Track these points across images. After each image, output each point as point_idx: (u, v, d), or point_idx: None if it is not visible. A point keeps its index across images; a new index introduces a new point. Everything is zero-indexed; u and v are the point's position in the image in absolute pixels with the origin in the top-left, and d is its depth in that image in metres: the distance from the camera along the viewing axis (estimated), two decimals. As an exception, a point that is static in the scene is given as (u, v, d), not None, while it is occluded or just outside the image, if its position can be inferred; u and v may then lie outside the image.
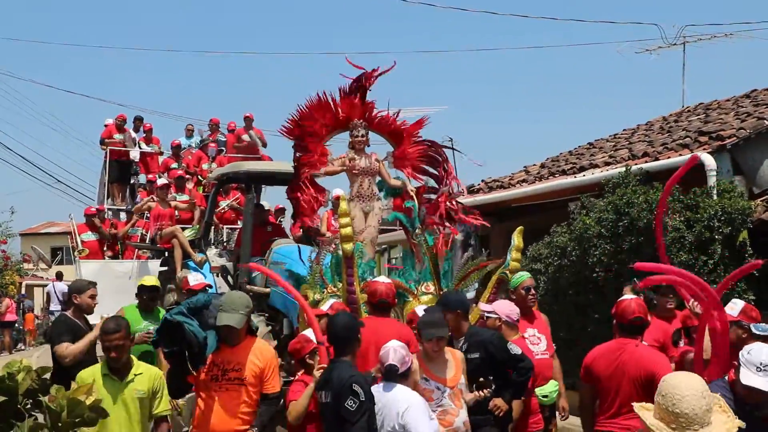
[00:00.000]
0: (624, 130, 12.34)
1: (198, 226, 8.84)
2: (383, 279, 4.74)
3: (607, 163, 9.51)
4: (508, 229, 11.71)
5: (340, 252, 5.17)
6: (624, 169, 8.15)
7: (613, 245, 7.64)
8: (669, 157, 8.24)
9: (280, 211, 9.23)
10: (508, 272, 5.26)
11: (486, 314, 4.55)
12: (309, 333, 4.07)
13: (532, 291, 5.11)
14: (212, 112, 32.37)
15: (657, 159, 8.46)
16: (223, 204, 9.83)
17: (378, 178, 5.97)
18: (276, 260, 6.65)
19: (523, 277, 5.17)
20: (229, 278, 7.37)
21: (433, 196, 6.04)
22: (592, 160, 10.13)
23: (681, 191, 7.29)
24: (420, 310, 4.49)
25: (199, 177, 11.22)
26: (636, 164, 8.45)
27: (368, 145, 5.97)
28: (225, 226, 9.70)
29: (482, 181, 12.37)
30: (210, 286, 5.30)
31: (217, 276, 7.61)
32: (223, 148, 11.83)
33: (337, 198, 8.33)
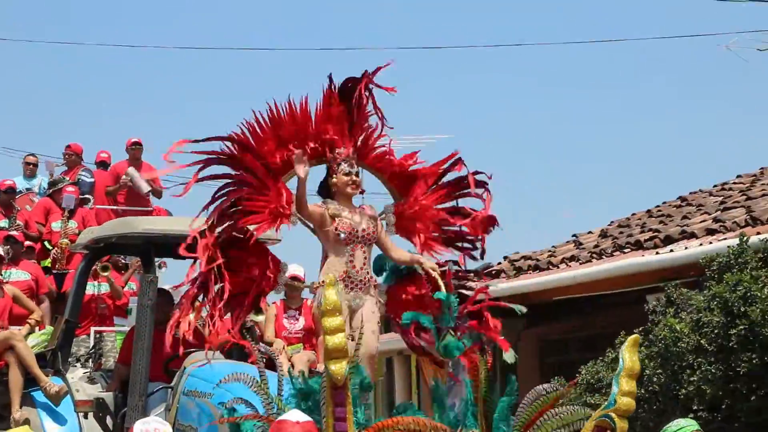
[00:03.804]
0: (739, 176, 12.58)
1: (51, 328, 8.50)
2: (298, 416, 4.54)
3: (710, 231, 9.60)
4: (543, 338, 11.83)
5: (313, 377, 5.15)
6: (738, 240, 8.23)
7: (722, 367, 7.66)
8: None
9: None
10: (614, 415, 5.07)
11: None
12: None
13: None
14: (73, 136, 31.11)
15: (795, 225, 8.73)
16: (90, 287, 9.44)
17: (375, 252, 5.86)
18: (194, 388, 6.54)
19: (686, 429, 5.17)
20: (109, 420, 7.15)
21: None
22: (684, 226, 10.21)
23: None
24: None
25: (46, 243, 10.81)
26: (759, 233, 8.57)
27: (362, 192, 5.83)
28: (93, 328, 9.31)
29: (505, 258, 12.33)
30: None
31: (86, 417, 7.37)
32: (90, 197, 11.40)
33: (295, 279, 8.11)
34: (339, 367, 4.67)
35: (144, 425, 5.01)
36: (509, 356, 5.67)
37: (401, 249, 5.86)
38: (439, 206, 5.93)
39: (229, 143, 5.63)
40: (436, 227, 5.94)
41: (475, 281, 5.92)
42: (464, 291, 5.78)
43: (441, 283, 5.59)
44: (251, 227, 5.55)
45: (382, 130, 5.83)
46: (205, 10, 32.85)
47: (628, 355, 5.26)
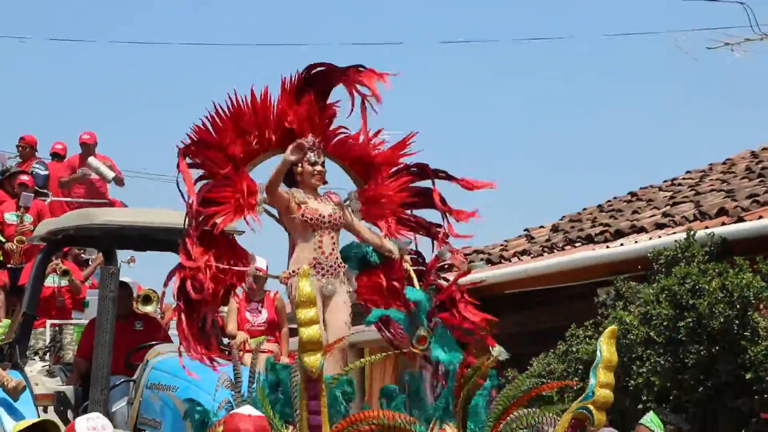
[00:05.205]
0: (688, 172, 12.65)
1: (8, 321, 8.58)
2: (250, 410, 4.56)
3: (659, 226, 9.69)
4: (499, 330, 11.81)
5: (278, 368, 5.12)
6: (686, 234, 8.32)
7: (671, 359, 7.79)
8: (761, 217, 8.43)
9: (146, 299, 8.86)
10: (592, 407, 5.11)
11: None
12: None
13: None
14: (27, 128, 30.33)
15: (741, 220, 8.66)
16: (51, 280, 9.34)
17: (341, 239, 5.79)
18: (157, 382, 6.52)
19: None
20: (70, 414, 7.07)
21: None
22: (634, 221, 10.29)
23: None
24: None
25: (-1, 237, 10.65)
26: (707, 227, 8.65)
27: (325, 182, 5.82)
28: (50, 321, 9.20)
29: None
30: None
31: (45, 412, 7.25)
32: (48, 192, 11.26)
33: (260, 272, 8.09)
34: (313, 360, 4.59)
35: (89, 422, 4.79)
36: (497, 351, 5.62)
37: (373, 233, 5.86)
38: (403, 191, 5.92)
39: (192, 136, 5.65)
40: (402, 212, 5.94)
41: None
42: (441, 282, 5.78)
43: (415, 280, 5.61)
44: (218, 220, 5.52)
45: (365, 128, 5.81)
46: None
47: (606, 346, 5.24)
